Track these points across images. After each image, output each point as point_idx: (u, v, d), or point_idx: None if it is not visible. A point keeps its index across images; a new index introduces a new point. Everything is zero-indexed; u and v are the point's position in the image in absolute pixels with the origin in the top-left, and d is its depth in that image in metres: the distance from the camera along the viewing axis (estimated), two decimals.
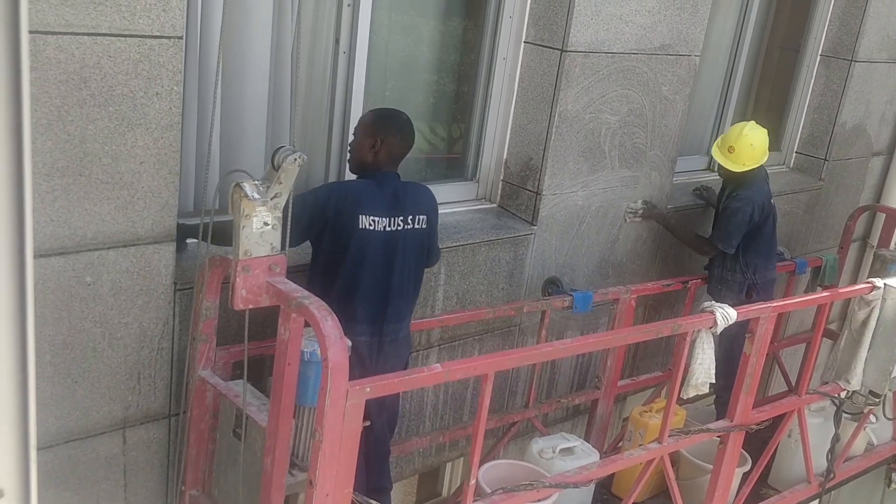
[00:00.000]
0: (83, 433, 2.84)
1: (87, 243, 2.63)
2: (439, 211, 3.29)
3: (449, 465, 4.79)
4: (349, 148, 3.21)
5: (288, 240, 2.58)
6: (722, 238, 4.46)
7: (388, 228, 3.04)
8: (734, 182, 4.48)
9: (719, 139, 4.55)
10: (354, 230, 2.97)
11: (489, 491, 3.15)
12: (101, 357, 2.79)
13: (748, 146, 4.38)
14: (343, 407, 2.30)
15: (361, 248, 2.99)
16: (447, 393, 4.06)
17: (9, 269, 0.71)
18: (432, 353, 3.89)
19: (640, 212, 4.51)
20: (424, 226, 3.17)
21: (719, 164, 4.52)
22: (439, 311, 3.83)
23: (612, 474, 4.26)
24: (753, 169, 4.43)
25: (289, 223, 2.52)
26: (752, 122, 4.49)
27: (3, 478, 0.78)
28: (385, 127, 3.10)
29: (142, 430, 2.98)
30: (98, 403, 2.84)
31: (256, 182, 2.43)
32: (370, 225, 3.00)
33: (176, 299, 2.90)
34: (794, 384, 5.52)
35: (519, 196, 4.13)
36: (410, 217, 3.11)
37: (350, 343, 2.48)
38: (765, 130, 4.47)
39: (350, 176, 3.48)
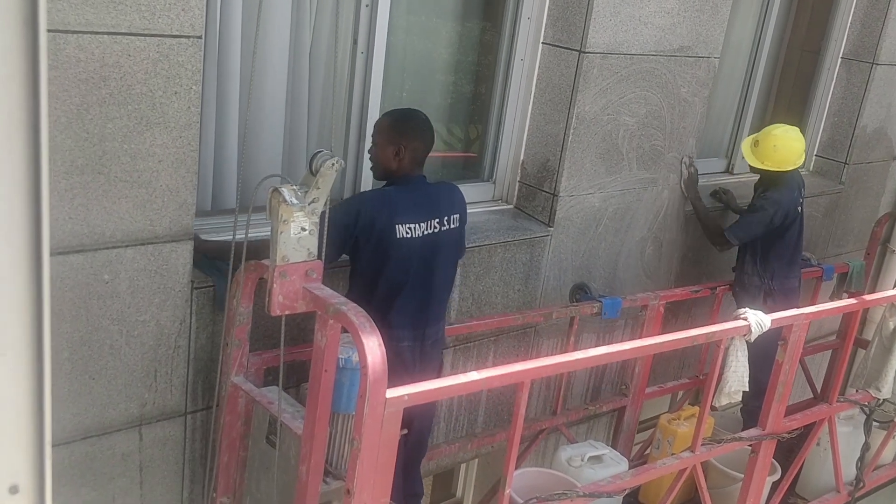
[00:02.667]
0: (100, 430, 2.85)
1: (105, 241, 2.65)
2: None
3: (463, 466, 4.78)
4: (370, 156, 3.15)
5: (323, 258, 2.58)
6: (734, 229, 4.43)
7: (426, 233, 3.02)
8: (765, 183, 4.47)
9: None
10: (392, 241, 2.94)
11: (520, 501, 3.12)
12: (119, 354, 2.80)
13: (770, 147, 4.36)
14: (382, 415, 2.24)
15: (402, 257, 2.97)
16: (462, 395, 4.06)
17: (26, 267, 0.72)
18: (447, 354, 3.88)
19: (691, 171, 4.50)
20: (458, 225, 3.17)
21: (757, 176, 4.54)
22: (455, 312, 3.82)
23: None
24: (785, 173, 4.41)
25: (324, 238, 2.51)
26: (791, 128, 4.46)
27: (18, 474, 0.78)
28: (406, 132, 3.04)
29: (158, 427, 2.99)
30: (115, 400, 2.85)
31: (295, 187, 2.41)
32: (407, 233, 2.96)
33: (193, 297, 2.91)
34: (818, 390, 5.48)
35: (535, 197, 4.12)
36: (446, 218, 3.10)
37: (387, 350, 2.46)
38: (797, 139, 4.42)
39: (368, 182, 3.49)
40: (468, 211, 3.99)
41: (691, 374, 4.94)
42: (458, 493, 4.94)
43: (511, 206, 4.21)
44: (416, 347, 3.08)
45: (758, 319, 3.40)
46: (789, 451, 4.29)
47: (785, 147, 4.37)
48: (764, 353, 3.77)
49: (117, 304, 2.74)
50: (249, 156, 3.26)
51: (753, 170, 4.53)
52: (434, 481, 4.92)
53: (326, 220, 2.60)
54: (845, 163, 5.90)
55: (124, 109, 2.57)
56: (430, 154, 3.18)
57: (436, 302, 3.13)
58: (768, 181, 4.45)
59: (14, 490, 0.78)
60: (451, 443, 3.95)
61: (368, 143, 3.28)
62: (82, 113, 2.49)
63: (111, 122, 2.55)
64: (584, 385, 4.59)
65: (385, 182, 3.14)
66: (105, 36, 2.46)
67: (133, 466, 2.98)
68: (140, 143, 2.63)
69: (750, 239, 4.42)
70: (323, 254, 2.52)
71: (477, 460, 4.58)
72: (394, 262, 2.96)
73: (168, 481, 3.09)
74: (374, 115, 3.49)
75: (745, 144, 4.49)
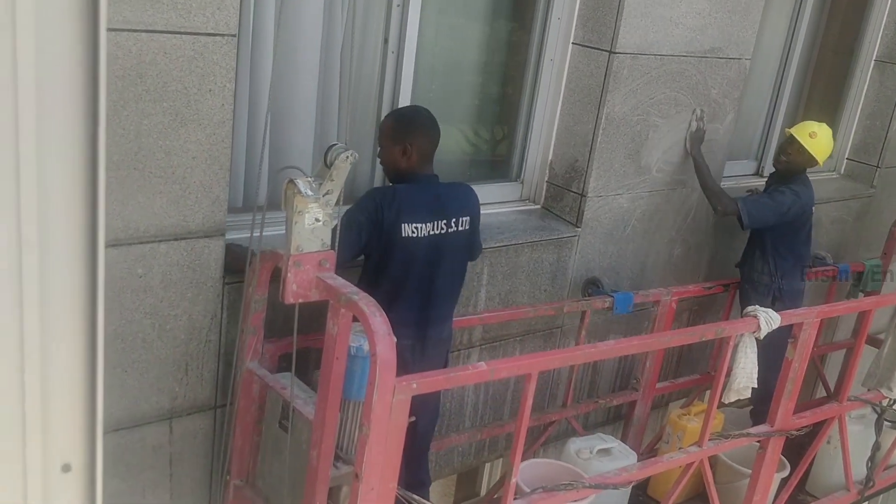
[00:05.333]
0: (131, 422, 2.89)
1: (139, 236, 2.69)
2: (483, 211, 3.29)
3: (488, 466, 4.79)
4: (379, 159, 3.17)
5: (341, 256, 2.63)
6: (749, 208, 4.27)
7: (432, 233, 3.02)
8: (785, 178, 4.44)
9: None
10: (397, 239, 2.95)
11: (527, 490, 3.15)
12: (151, 348, 2.84)
13: (807, 133, 4.36)
14: (390, 402, 2.31)
15: (405, 256, 2.98)
16: (487, 393, 4.07)
17: (82, 258, 0.74)
18: (473, 353, 3.90)
19: (699, 126, 4.31)
20: (468, 227, 3.15)
21: (781, 147, 4.49)
22: (481, 311, 3.83)
23: (648, 476, 4.25)
24: (804, 173, 4.42)
25: (337, 241, 2.55)
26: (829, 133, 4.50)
27: (70, 454, 0.81)
28: (410, 129, 3.05)
29: (188, 420, 3.03)
30: (146, 393, 2.89)
31: (309, 179, 2.46)
32: (413, 233, 2.97)
33: (224, 293, 2.95)
34: (832, 390, 5.45)
35: (563, 198, 4.12)
36: (454, 220, 3.09)
37: (395, 339, 2.50)
38: (825, 145, 4.42)
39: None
40: (495, 210, 4.03)
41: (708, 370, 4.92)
42: (483, 493, 4.95)
43: (538, 207, 4.21)
44: (416, 346, 3.09)
45: (767, 317, 3.41)
46: (801, 448, 4.29)
47: (820, 142, 4.39)
48: (773, 356, 3.76)
49: (150, 298, 2.78)
50: (279, 153, 3.29)
51: (781, 161, 4.47)
52: (458, 480, 4.93)
53: (341, 223, 2.68)
54: (877, 166, 5.83)
55: (160, 106, 2.60)
56: (458, 155, 3.19)
57: (439, 303, 3.13)
58: (789, 176, 4.42)
59: (66, 468, 0.81)
60: (461, 432, 3.97)
61: None
62: (119, 109, 2.53)
63: (147, 119, 2.59)
64: (610, 382, 4.59)
65: (397, 181, 3.14)
66: (143, 33, 2.50)
67: (163, 459, 3.02)
68: (175, 140, 2.66)
69: (760, 224, 4.33)
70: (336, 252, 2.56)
71: (501, 460, 4.58)
72: (397, 261, 2.98)
73: (197, 474, 3.13)
74: None
75: (801, 132, 4.40)
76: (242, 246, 2.92)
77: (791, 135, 4.42)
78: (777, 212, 4.30)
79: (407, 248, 2.98)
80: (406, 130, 3.05)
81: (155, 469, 3.02)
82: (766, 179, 5.12)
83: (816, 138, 4.36)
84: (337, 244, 2.56)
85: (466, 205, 3.17)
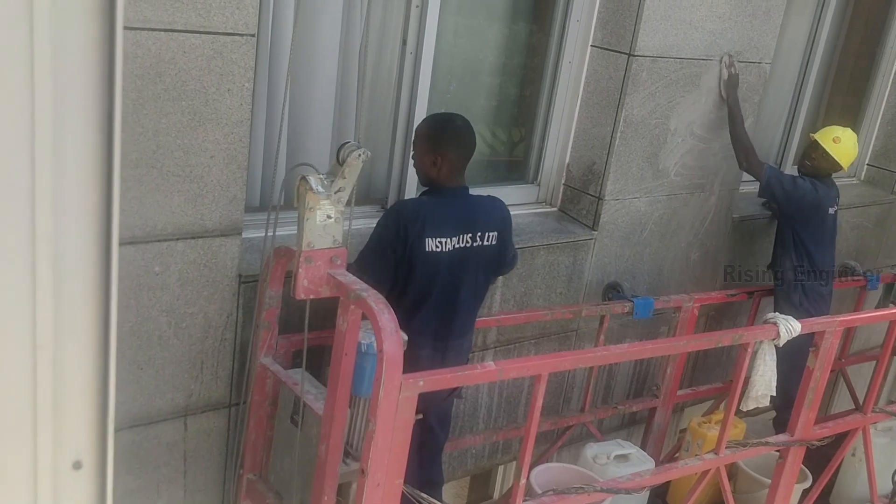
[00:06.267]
0: (146, 419, 2.91)
1: (157, 234, 2.70)
2: None
3: (501, 469, 4.77)
4: (413, 164, 3.14)
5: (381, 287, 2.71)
6: (770, 175, 4.26)
7: (457, 247, 2.99)
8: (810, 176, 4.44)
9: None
10: (421, 253, 2.93)
11: (539, 491, 3.14)
12: (167, 345, 2.86)
13: (831, 138, 4.36)
14: (396, 399, 2.33)
15: (428, 269, 2.96)
16: (501, 396, 4.06)
17: (95, 254, 0.74)
18: (488, 355, 3.89)
19: (732, 72, 4.16)
20: (495, 242, 3.09)
21: (805, 152, 4.51)
22: (497, 313, 3.82)
23: (668, 484, 4.22)
24: (829, 177, 4.41)
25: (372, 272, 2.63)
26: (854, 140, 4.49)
27: (81, 451, 0.81)
28: (441, 140, 3.00)
29: (203, 418, 3.04)
30: (162, 390, 2.91)
31: (322, 176, 2.48)
32: (437, 247, 2.95)
33: (240, 291, 2.96)
34: (860, 402, 5.39)
35: (580, 200, 4.11)
36: (480, 234, 3.05)
37: (406, 338, 2.50)
38: (849, 150, 4.40)
39: (413, 183, 3.51)
40: (512, 213, 3.99)
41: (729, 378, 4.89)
42: (496, 496, 4.93)
43: (555, 209, 4.20)
44: (436, 357, 3.07)
45: (787, 325, 3.37)
46: (826, 459, 4.24)
47: (843, 146, 4.38)
48: (794, 365, 3.73)
49: (167, 296, 2.79)
50: (296, 153, 3.30)
51: (806, 165, 4.45)
52: (471, 482, 4.92)
53: (369, 250, 2.82)
54: None
55: (178, 105, 2.61)
56: (475, 157, 3.17)
57: (461, 315, 3.11)
58: (815, 177, 4.41)
59: (77, 466, 0.81)
60: (475, 434, 3.96)
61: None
62: (138, 108, 2.54)
63: (165, 118, 2.60)
64: (626, 388, 4.57)
65: (428, 188, 3.13)
66: (162, 32, 2.51)
67: (178, 456, 3.03)
68: (193, 139, 2.67)
69: (768, 195, 4.36)
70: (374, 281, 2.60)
71: (515, 463, 4.57)
72: (420, 274, 2.96)
73: (211, 471, 3.14)
74: (421, 115, 3.50)
75: (825, 137, 4.40)
76: None
77: (815, 140, 4.40)
78: (791, 193, 4.30)
79: (429, 261, 2.95)
80: (438, 141, 3.00)
81: (169, 466, 3.03)
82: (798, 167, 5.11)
83: (840, 143, 4.34)
84: (371, 274, 2.65)
85: (494, 220, 3.11)
